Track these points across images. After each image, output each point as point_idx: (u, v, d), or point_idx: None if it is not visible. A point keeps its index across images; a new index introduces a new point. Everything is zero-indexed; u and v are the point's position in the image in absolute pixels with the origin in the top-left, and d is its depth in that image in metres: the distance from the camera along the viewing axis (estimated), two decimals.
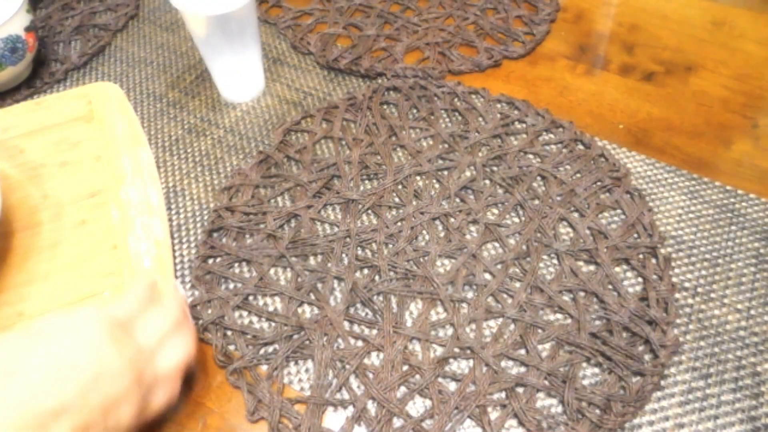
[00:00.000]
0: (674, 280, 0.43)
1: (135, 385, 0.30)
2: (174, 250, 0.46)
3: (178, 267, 0.44)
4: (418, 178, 0.49)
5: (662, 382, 0.38)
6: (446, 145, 0.51)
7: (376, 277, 0.43)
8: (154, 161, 0.48)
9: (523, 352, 0.39)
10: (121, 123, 0.51)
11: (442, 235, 0.45)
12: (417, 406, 0.37)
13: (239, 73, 0.54)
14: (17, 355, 0.28)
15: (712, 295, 0.42)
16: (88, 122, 0.52)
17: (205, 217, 0.47)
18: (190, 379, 0.38)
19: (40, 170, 0.49)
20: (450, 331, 0.40)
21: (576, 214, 0.46)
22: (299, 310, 0.42)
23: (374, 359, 0.39)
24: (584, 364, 0.39)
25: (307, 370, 0.39)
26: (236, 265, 0.44)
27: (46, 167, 0.49)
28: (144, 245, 0.43)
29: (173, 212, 0.48)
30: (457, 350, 0.39)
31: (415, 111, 0.55)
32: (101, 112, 0.52)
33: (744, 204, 0.47)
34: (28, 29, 0.54)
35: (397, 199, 0.47)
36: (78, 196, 0.47)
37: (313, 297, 0.42)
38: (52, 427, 0.26)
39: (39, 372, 0.27)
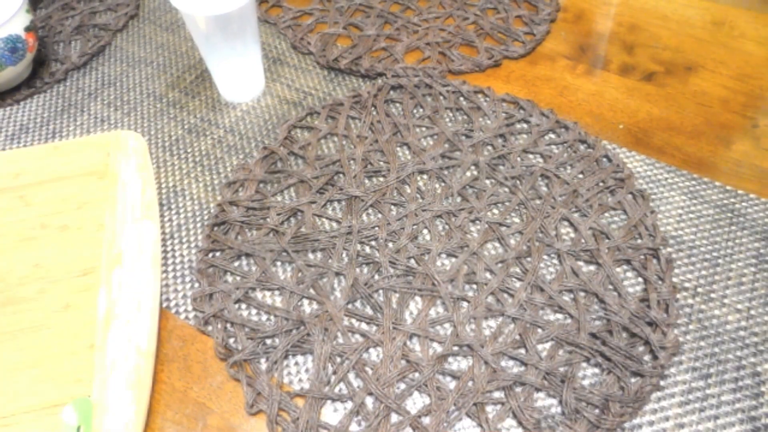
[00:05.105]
0: (674, 280, 0.43)
1: None
2: (174, 250, 0.46)
3: (179, 266, 0.45)
4: (421, 176, 0.49)
5: (662, 383, 0.38)
6: (450, 144, 0.51)
7: (377, 274, 0.43)
8: (160, 239, 0.45)
9: (522, 351, 0.39)
10: (134, 185, 0.47)
11: (443, 233, 0.45)
12: (415, 403, 0.37)
13: (239, 73, 0.54)
14: None
15: (713, 295, 0.42)
16: (101, 179, 0.48)
17: (206, 217, 0.47)
18: None
19: (39, 232, 0.46)
20: (449, 328, 0.40)
21: (578, 215, 0.46)
22: (300, 304, 0.42)
23: (373, 355, 0.39)
24: (583, 364, 0.39)
25: (306, 364, 0.39)
26: (238, 259, 0.44)
27: (46, 229, 0.46)
28: (123, 351, 0.38)
29: (173, 212, 0.48)
30: (456, 348, 0.39)
31: (419, 109, 0.55)
32: (117, 169, 0.49)
33: (744, 204, 0.47)
34: (28, 29, 0.55)
35: (399, 197, 0.47)
36: (69, 272, 0.43)
37: (313, 292, 0.42)
38: None
39: None
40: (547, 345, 0.39)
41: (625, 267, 0.43)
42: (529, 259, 0.44)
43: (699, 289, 0.42)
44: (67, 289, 0.42)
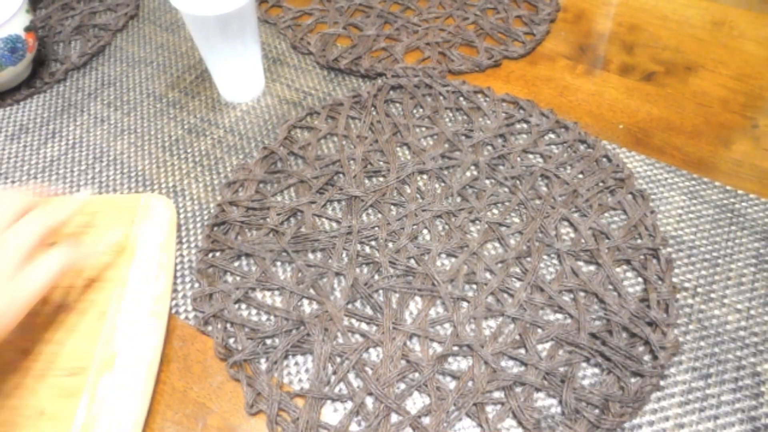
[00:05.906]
0: (674, 280, 0.43)
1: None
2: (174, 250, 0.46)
3: (179, 266, 0.45)
4: (421, 176, 0.49)
5: (662, 383, 0.38)
6: (450, 144, 0.51)
7: (377, 274, 0.43)
8: (162, 342, 0.40)
9: (522, 351, 0.39)
10: (150, 270, 0.41)
11: (443, 233, 0.45)
12: (415, 403, 0.37)
13: (239, 73, 0.54)
14: None
15: (712, 295, 0.42)
16: (119, 254, 0.41)
17: (206, 217, 0.47)
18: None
19: (38, 307, 0.38)
20: (449, 328, 0.40)
21: (578, 215, 0.46)
22: (300, 304, 0.42)
23: (373, 355, 0.39)
24: (583, 364, 0.39)
25: (306, 364, 0.39)
26: (238, 259, 0.44)
27: (46, 305, 0.39)
28: None
29: None
30: (456, 348, 0.39)
31: (419, 109, 0.55)
32: (137, 243, 0.42)
33: (744, 204, 0.47)
34: (28, 29, 0.55)
35: (399, 197, 0.47)
36: (54, 369, 0.36)
37: (313, 292, 0.42)
38: None
39: None
40: (547, 345, 0.39)
41: (625, 267, 0.43)
42: (529, 259, 0.44)
43: (699, 289, 0.42)
44: (46, 391, 0.36)
